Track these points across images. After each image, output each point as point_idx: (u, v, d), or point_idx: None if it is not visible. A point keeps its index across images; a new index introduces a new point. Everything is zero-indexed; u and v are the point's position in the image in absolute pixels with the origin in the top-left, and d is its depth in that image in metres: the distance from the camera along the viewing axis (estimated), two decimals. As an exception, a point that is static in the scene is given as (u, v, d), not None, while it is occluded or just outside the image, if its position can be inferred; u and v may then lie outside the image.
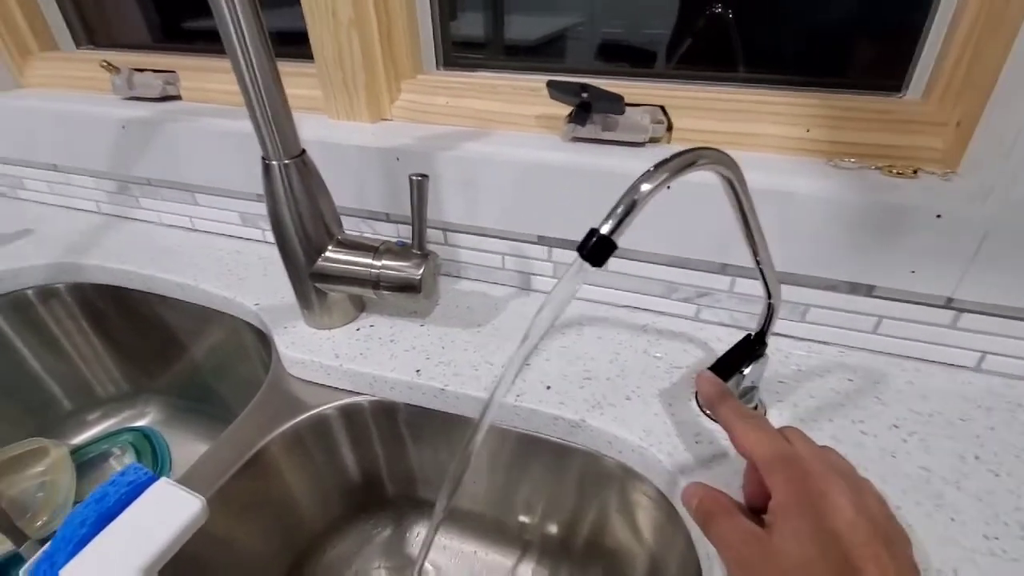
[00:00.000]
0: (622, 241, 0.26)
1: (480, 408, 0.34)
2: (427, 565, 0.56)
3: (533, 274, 0.56)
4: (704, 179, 0.30)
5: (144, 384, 0.74)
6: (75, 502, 0.59)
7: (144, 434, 0.68)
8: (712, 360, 0.41)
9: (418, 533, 0.58)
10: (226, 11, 0.35)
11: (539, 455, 0.47)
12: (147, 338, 0.68)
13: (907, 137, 0.44)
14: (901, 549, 0.26)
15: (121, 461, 0.67)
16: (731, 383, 0.40)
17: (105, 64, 0.66)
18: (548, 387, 0.45)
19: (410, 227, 0.46)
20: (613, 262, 0.52)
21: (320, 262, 0.47)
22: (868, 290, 0.45)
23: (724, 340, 0.50)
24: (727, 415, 0.32)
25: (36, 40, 0.76)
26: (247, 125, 0.41)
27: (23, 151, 0.73)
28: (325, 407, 0.48)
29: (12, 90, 0.75)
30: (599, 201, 0.28)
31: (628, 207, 0.26)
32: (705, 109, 0.49)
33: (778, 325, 0.48)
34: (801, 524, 0.26)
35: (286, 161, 0.42)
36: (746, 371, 0.40)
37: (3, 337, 0.66)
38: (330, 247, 0.47)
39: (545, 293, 0.57)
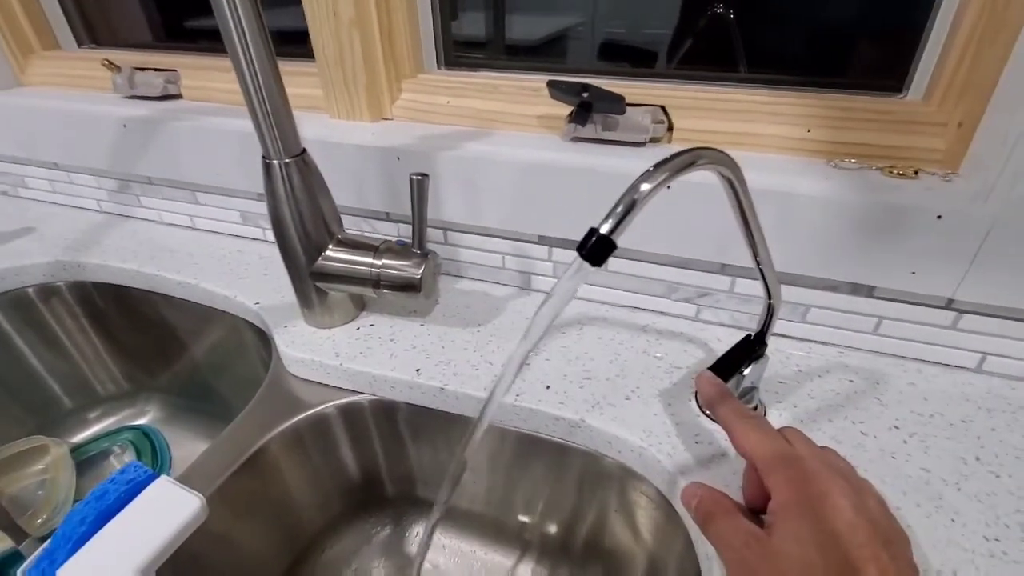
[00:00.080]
0: (622, 241, 0.26)
1: (479, 407, 0.34)
2: (426, 564, 0.56)
3: (533, 274, 0.56)
4: (704, 179, 0.30)
5: (144, 383, 0.74)
6: (75, 500, 0.59)
7: (144, 432, 0.68)
8: (712, 360, 0.41)
9: (417, 532, 0.58)
10: (227, 10, 0.35)
11: (539, 455, 0.47)
12: (147, 337, 0.68)
13: (908, 138, 0.44)
14: (901, 550, 0.26)
15: (121, 459, 0.67)
16: (731, 383, 0.40)
17: (106, 63, 0.66)
18: (548, 387, 0.45)
19: (410, 226, 0.46)
20: (613, 262, 0.52)
21: (320, 261, 0.47)
22: (868, 291, 0.45)
23: (724, 340, 0.50)
24: (727, 415, 0.32)
25: (38, 39, 0.76)
26: (248, 124, 0.41)
27: (25, 149, 0.73)
28: (325, 406, 0.49)
29: (14, 88, 0.75)
30: (599, 201, 0.28)
31: (628, 207, 0.26)
32: (706, 109, 0.49)
33: (778, 325, 0.48)
34: (801, 525, 0.26)
35: (287, 160, 0.42)
36: (746, 371, 0.40)
37: (4, 335, 0.66)
38: (330, 246, 0.47)
39: (545, 293, 0.56)
